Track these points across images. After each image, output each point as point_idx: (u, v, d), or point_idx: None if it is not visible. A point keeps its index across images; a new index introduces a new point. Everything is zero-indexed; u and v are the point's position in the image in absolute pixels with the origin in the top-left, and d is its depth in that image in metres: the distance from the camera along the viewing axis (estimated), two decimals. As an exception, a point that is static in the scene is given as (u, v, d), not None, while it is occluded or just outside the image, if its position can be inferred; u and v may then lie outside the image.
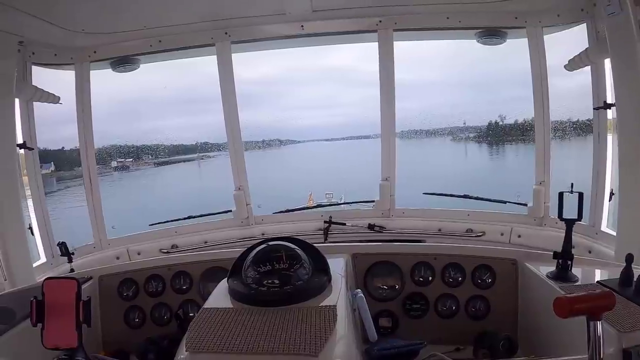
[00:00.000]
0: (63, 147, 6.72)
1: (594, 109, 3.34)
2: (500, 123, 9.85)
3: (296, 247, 1.89)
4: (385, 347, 2.05)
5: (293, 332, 1.48)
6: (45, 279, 1.64)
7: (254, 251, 1.88)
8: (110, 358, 2.03)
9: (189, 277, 2.55)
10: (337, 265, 2.07)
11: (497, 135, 10.91)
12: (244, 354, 1.41)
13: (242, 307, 1.70)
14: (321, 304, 1.68)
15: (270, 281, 1.74)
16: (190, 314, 2.49)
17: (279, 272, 1.75)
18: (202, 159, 12.56)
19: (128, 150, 10.22)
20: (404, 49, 3.98)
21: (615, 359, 1.43)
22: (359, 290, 1.99)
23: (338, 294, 1.78)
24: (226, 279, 1.92)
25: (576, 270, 2.05)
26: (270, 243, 1.93)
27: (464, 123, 10.85)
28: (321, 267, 1.90)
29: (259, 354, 1.40)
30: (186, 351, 1.44)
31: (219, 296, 1.85)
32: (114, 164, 10.26)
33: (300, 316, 1.59)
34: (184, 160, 12.75)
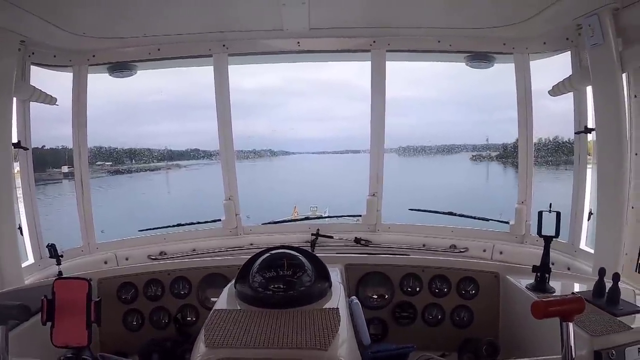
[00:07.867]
0: (44, 146, 6.48)
1: (575, 133, 3.49)
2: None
3: (299, 255, 2.03)
4: (378, 349, 2.18)
5: (301, 329, 1.61)
6: (56, 279, 1.71)
7: (260, 259, 2.02)
8: (117, 357, 2.07)
9: (188, 282, 2.60)
10: (334, 274, 2.19)
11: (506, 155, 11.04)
12: (259, 348, 1.54)
13: (251, 308, 1.84)
14: (324, 307, 1.83)
15: (275, 286, 1.88)
16: (189, 318, 2.56)
17: (284, 278, 1.89)
18: (170, 169, 11.51)
19: (111, 153, 9.76)
20: (403, 68, 4.09)
21: None
22: (355, 297, 2.13)
23: (338, 299, 1.92)
24: (232, 283, 2.04)
25: (555, 284, 2.19)
26: (273, 252, 2.07)
27: (487, 140, 11.52)
28: (322, 274, 2.04)
29: (273, 348, 1.53)
30: (205, 347, 1.54)
31: (227, 299, 1.98)
32: (64, 169, 7.84)
33: (306, 317, 1.72)
34: (149, 169, 10.97)
